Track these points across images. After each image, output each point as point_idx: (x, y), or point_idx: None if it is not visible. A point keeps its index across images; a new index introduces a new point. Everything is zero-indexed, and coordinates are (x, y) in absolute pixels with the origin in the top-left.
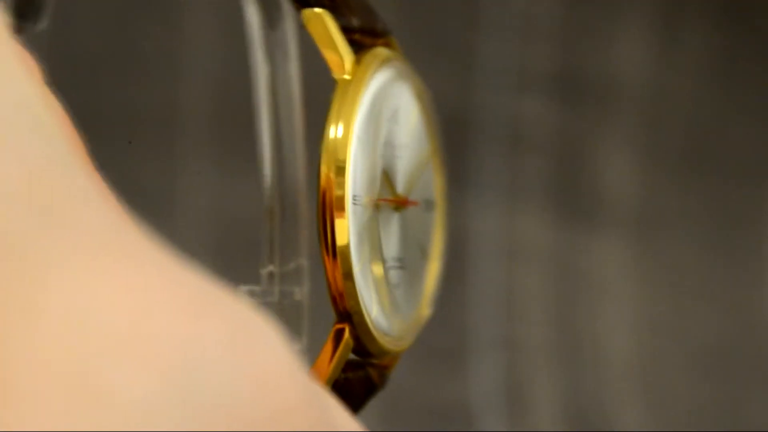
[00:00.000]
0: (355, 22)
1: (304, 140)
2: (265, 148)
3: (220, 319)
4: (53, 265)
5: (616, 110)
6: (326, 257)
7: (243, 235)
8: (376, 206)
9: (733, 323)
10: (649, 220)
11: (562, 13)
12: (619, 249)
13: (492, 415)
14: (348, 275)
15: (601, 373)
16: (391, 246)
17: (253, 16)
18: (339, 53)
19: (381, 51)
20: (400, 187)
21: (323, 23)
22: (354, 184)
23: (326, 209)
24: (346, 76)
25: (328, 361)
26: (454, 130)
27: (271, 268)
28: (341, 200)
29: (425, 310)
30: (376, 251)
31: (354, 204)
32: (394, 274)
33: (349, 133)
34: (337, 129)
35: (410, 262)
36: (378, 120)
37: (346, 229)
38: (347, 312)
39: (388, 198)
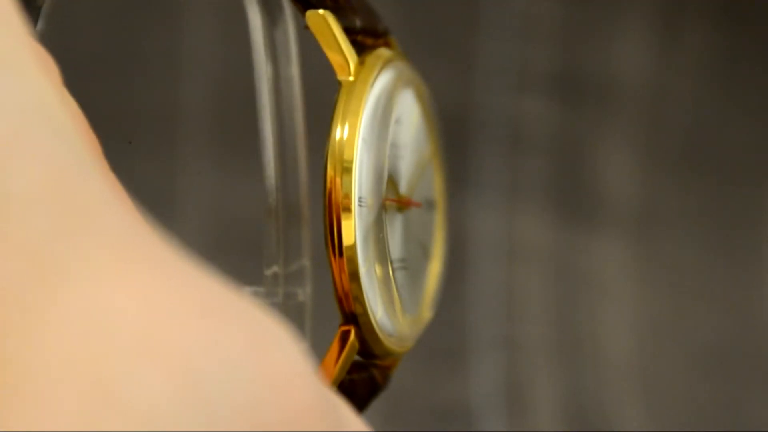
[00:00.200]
0: (357, 22)
1: (306, 141)
2: (267, 149)
3: (236, 323)
4: (71, 269)
5: (616, 110)
6: (332, 258)
7: (243, 235)
8: (382, 207)
9: (733, 323)
10: (649, 220)
11: (562, 13)
12: (619, 249)
13: (492, 415)
14: (354, 276)
15: (601, 373)
16: (395, 247)
17: (255, 17)
18: (343, 55)
19: (383, 52)
20: (403, 187)
21: (327, 25)
22: (360, 185)
23: (332, 210)
24: (351, 78)
25: (334, 362)
26: (454, 130)
27: (275, 269)
28: (347, 201)
29: (428, 311)
30: (382, 252)
31: (360, 206)
32: (398, 275)
33: (354, 135)
34: (342, 130)
35: (413, 262)
36: (383, 121)
37: (353, 231)
38: (353, 313)
39: (394, 198)
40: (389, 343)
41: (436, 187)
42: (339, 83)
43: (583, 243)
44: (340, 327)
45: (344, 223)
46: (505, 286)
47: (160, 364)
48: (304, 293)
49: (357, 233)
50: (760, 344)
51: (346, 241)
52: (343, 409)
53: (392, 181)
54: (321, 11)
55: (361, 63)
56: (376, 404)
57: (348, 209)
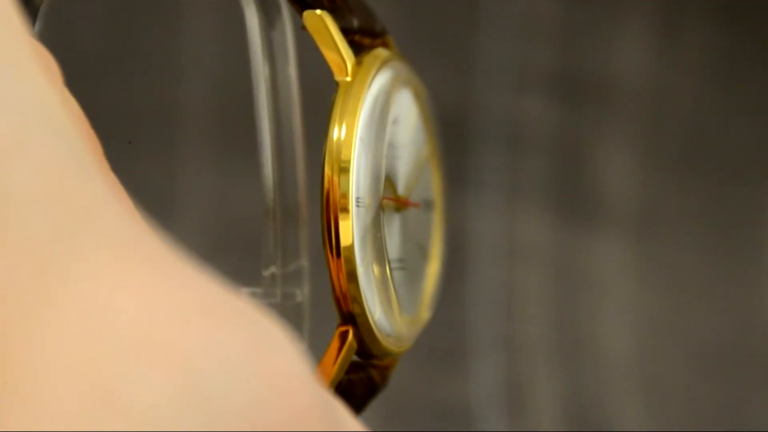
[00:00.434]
0: (354, 23)
1: (304, 142)
2: (265, 150)
3: (235, 324)
4: (71, 269)
5: (616, 110)
6: (330, 259)
7: (243, 235)
8: (380, 207)
9: (733, 323)
10: (649, 220)
11: (562, 13)
12: (619, 249)
13: (492, 415)
14: (352, 277)
15: (601, 373)
16: (393, 247)
17: (252, 18)
18: (340, 55)
19: (381, 52)
20: (401, 187)
21: (324, 25)
22: (357, 185)
23: (330, 211)
24: (348, 78)
25: (332, 362)
26: (454, 130)
27: (273, 269)
28: (345, 202)
29: (426, 311)
30: (379, 252)
31: (357, 206)
32: (396, 275)
33: (352, 135)
34: (340, 131)
35: (411, 262)
36: (380, 121)
37: (350, 231)
38: (351, 314)
39: (392, 197)
40: (387, 344)
41: (434, 187)
42: (336, 83)
43: (583, 243)
44: (338, 327)
45: (342, 224)
46: (505, 286)
47: (160, 365)
48: (302, 294)
49: (355, 233)
50: (760, 344)
51: (344, 241)
52: (340, 410)
53: (390, 182)
54: (318, 11)
55: (358, 63)
56: (376, 404)
57: (345, 209)
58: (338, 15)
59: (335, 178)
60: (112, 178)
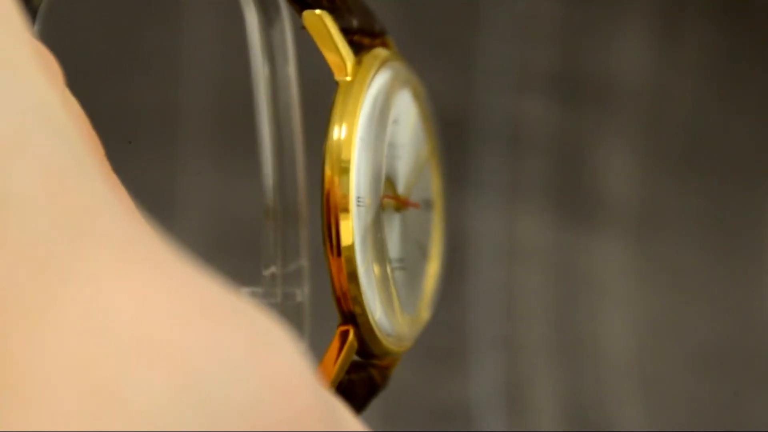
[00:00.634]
0: (354, 22)
1: (304, 141)
2: (265, 150)
3: (235, 324)
4: (71, 269)
5: (616, 110)
6: (331, 258)
7: (243, 235)
8: (380, 207)
9: (732, 323)
10: (649, 220)
11: (562, 13)
12: (619, 249)
13: (492, 415)
14: (352, 276)
15: (601, 373)
16: (393, 247)
17: (252, 18)
18: (340, 55)
19: (380, 52)
20: (401, 187)
21: (324, 25)
22: (358, 185)
23: (330, 210)
24: (348, 78)
25: (333, 362)
26: (454, 130)
27: (273, 269)
28: (345, 201)
29: (426, 311)
30: (380, 252)
31: (358, 205)
32: (396, 275)
33: (352, 135)
34: (340, 130)
35: (411, 262)
36: (380, 121)
37: (351, 231)
38: (351, 313)
39: (392, 196)
40: (388, 343)
41: (433, 187)
42: (336, 83)
43: (583, 243)
44: (338, 327)
45: (342, 223)
46: (505, 286)
47: (160, 365)
48: (303, 293)
49: (355, 233)
50: (760, 344)
51: (345, 241)
52: (341, 410)
53: (390, 181)
54: (318, 11)
55: (358, 63)
56: (376, 404)
57: (346, 209)
58: (338, 15)
59: (335, 178)
60: (112, 179)
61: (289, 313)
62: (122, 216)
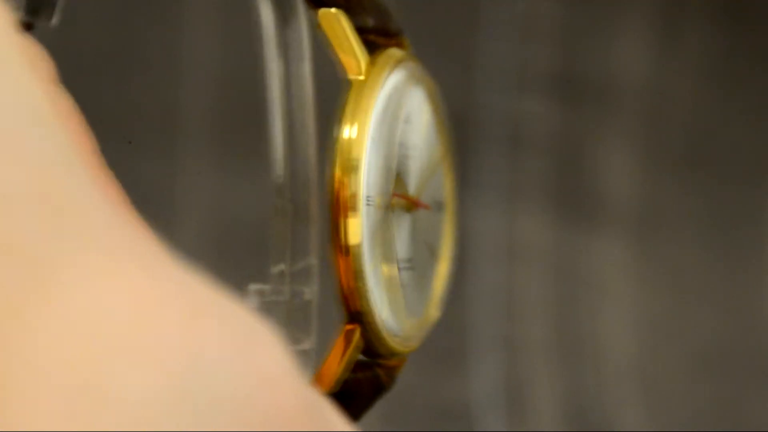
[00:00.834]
0: (369, 22)
1: (316, 140)
2: (277, 148)
3: (223, 324)
4: (59, 269)
5: (616, 110)
6: (338, 257)
7: (243, 235)
8: (389, 207)
9: (733, 323)
10: (649, 220)
11: (562, 13)
12: (619, 249)
13: (492, 415)
14: (359, 275)
15: (601, 373)
16: (402, 247)
17: (267, 15)
18: (354, 54)
19: (394, 52)
20: (412, 188)
21: (339, 23)
22: (368, 184)
23: (339, 209)
24: (361, 77)
25: (338, 361)
26: (454, 130)
27: (281, 266)
28: (354, 200)
29: (434, 311)
30: (388, 252)
31: (367, 204)
32: (404, 275)
33: (363, 134)
34: (351, 129)
35: (419, 263)
36: (392, 121)
37: (359, 229)
38: (358, 312)
39: (402, 194)
40: (394, 343)
41: (445, 188)
42: (348, 81)
43: (583, 243)
44: (344, 326)
45: (351, 222)
46: (505, 286)
47: (148, 363)
48: (311, 291)
49: (364, 232)
50: (760, 344)
51: (353, 239)
52: (328, 409)
53: (401, 181)
54: (333, 10)
55: (372, 62)
56: (376, 404)
57: (355, 208)
58: (353, 13)
59: (345, 177)
60: (103, 177)
61: (297, 311)
62: (110, 215)
